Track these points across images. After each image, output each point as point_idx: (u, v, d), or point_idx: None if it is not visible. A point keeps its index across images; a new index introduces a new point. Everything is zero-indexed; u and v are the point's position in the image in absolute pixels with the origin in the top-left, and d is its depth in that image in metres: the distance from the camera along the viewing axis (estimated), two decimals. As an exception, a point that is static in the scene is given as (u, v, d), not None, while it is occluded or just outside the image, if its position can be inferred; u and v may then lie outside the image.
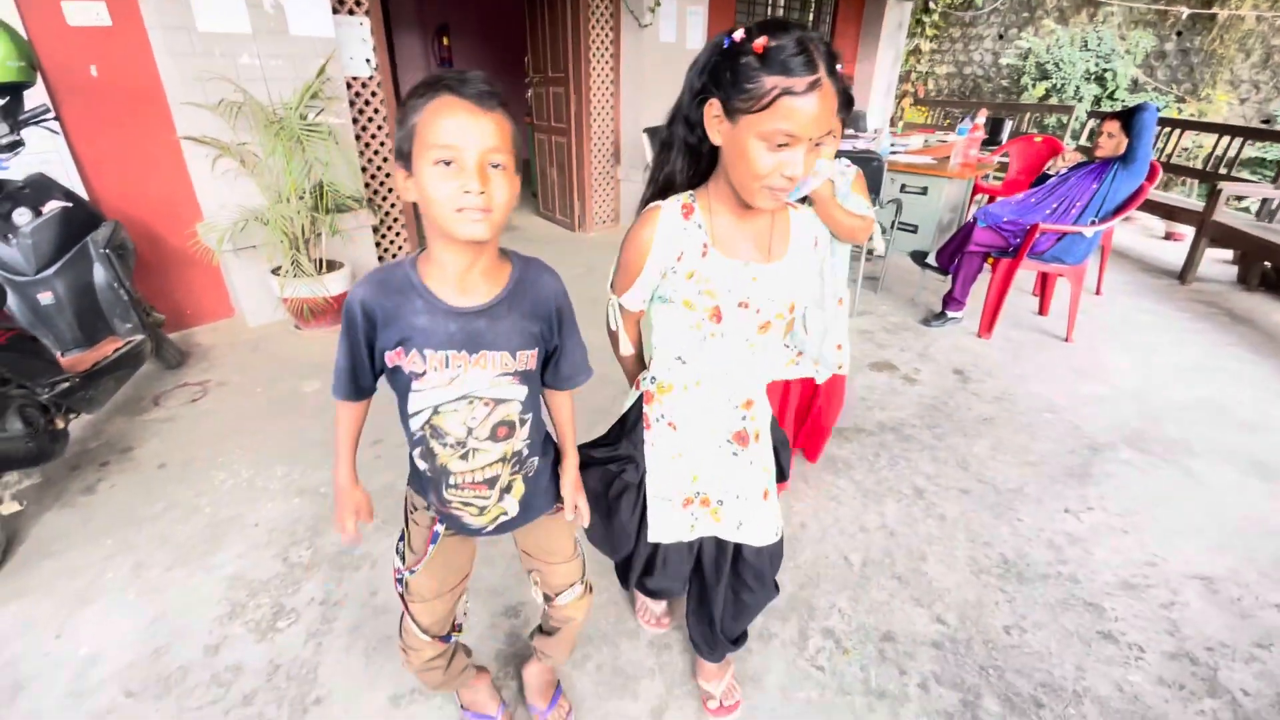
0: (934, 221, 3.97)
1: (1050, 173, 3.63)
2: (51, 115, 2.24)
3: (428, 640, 1.11)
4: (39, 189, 2.27)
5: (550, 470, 1.09)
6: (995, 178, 5.39)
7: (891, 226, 3.88)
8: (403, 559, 1.11)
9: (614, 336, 1.15)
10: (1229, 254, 4.72)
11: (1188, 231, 4.65)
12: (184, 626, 1.60)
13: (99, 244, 2.37)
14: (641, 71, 4.75)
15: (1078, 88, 8.16)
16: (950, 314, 3.50)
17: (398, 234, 3.94)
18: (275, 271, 3.10)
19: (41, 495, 2.04)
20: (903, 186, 4.00)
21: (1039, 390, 2.86)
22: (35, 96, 2.42)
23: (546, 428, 1.07)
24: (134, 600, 1.68)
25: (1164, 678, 1.53)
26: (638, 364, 1.21)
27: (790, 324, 1.05)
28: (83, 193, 2.75)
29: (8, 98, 2.10)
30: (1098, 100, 8.16)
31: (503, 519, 1.03)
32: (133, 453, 2.29)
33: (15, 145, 2.11)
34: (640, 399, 1.14)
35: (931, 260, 3.58)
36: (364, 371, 0.94)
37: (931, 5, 7.88)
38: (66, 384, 2.02)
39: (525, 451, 1.00)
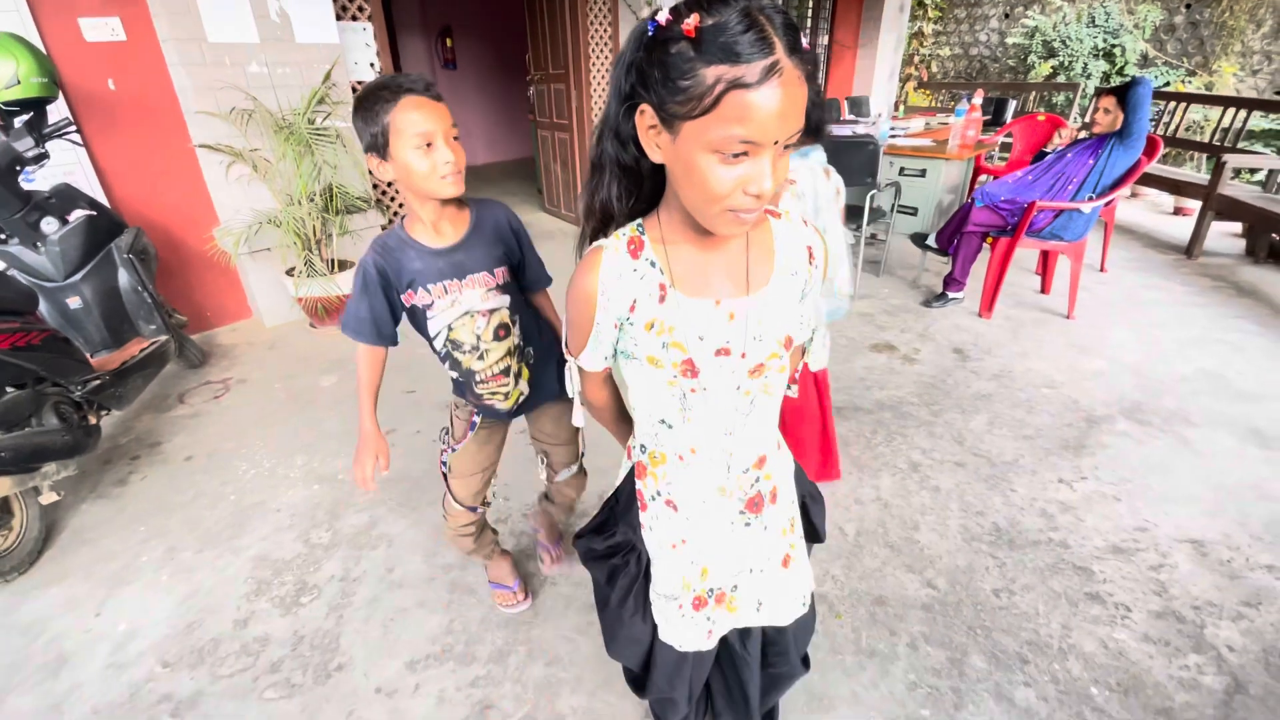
0: (933, 203, 3.99)
1: (1048, 150, 3.64)
2: (74, 128, 2.36)
3: (461, 509, 1.44)
4: (65, 199, 2.39)
5: (552, 359, 1.36)
6: (1000, 158, 5.38)
7: (891, 209, 3.91)
8: (445, 438, 1.40)
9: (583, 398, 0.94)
10: (1238, 227, 4.68)
11: (1196, 206, 4.62)
12: (214, 603, 1.71)
13: (122, 250, 2.49)
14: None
15: (1085, 65, 8.06)
16: (951, 295, 3.53)
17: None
18: (289, 272, 3.21)
19: (78, 487, 2.17)
20: (901, 169, 4.02)
21: (1038, 366, 2.89)
22: (57, 111, 2.55)
23: (538, 324, 1.35)
24: (167, 581, 1.79)
25: (1149, 635, 1.58)
26: (624, 422, 1.00)
27: (796, 354, 0.88)
28: (105, 201, 2.88)
29: (32, 112, 2.22)
30: (1106, 76, 8.06)
31: (521, 398, 1.34)
32: (161, 447, 2.41)
33: (41, 158, 2.23)
34: (632, 471, 0.95)
35: (931, 242, 3.61)
36: (383, 319, 1.18)
37: (933, -13, 7.81)
38: (97, 382, 2.14)
39: (522, 343, 1.30)
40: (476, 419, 1.36)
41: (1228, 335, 3.17)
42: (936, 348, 3.08)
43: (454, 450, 1.38)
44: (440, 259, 1.15)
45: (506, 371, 1.28)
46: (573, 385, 0.90)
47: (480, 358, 1.24)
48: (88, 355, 2.34)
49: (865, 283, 3.89)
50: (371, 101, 1.01)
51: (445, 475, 1.41)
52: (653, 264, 0.75)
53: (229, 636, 1.62)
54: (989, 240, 3.38)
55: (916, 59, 9.03)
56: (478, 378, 1.26)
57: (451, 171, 1.05)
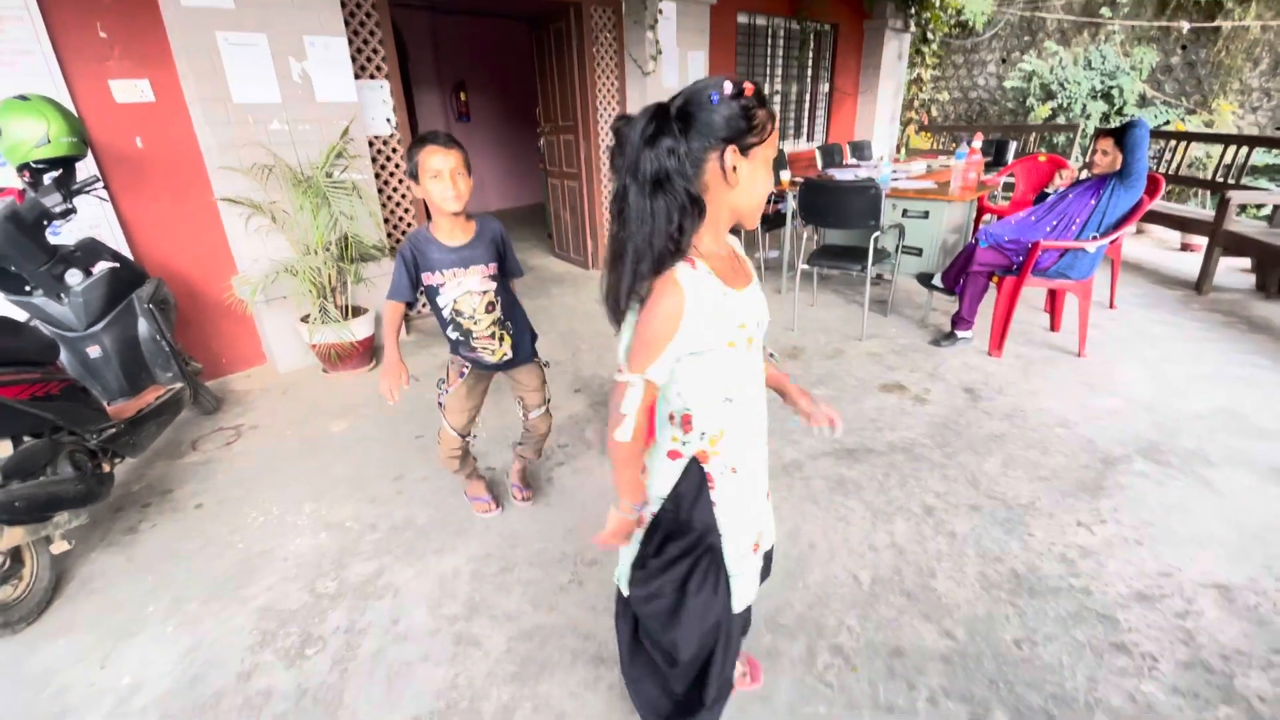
0: (937, 244, 4.02)
1: (1050, 191, 3.68)
2: (101, 185, 2.45)
3: (454, 435, 1.99)
4: (89, 252, 2.47)
5: (524, 332, 1.94)
6: (1004, 198, 5.43)
7: (896, 250, 3.95)
8: (441, 385, 1.96)
9: (622, 446, 1.02)
10: (1247, 262, 4.67)
11: (1203, 242, 4.63)
12: (218, 655, 1.69)
13: (143, 300, 2.55)
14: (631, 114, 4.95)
15: (1084, 106, 8.21)
16: (959, 334, 3.52)
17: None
18: (304, 319, 3.27)
19: (88, 535, 2.17)
20: (904, 211, 4.07)
21: (1051, 405, 2.85)
22: (86, 168, 2.65)
23: (512, 309, 1.90)
24: (172, 632, 1.78)
25: (1178, 687, 1.52)
26: (640, 449, 1.09)
27: None
28: (129, 253, 2.97)
29: (61, 170, 2.31)
30: (1106, 117, 8.19)
31: (505, 359, 1.89)
32: (172, 494, 2.42)
33: (68, 213, 2.32)
34: (689, 467, 1.09)
35: (937, 281, 3.63)
36: (409, 287, 1.74)
37: (929, 35, 8.05)
38: (113, 430, 2.17)
39: (503, 317, 1.86)
40: (466, 370, 1.91)
41: (1242, 371, 3.13)
42: (947, 387, 3.06)
43: (448, 393, 1.93)
44: (452, 253, 1.72)
45: (493, 335, 1.84)
46: (631, 403, 0.98)
47: (475, 323, 1.80)
48: (105, 403, 2.38)
49: (873, 322, 3.90)
50: (413, 147, 1.59)
51: (442, 411, 1.96)
52: (708, 272, 0.96)
53: (232, 690, 1.59)
54: (995, 279, 3.39)
55: (916, 103, 9.24)
56: (474, 335, 1.82)
57: (451, 197, 1.60)
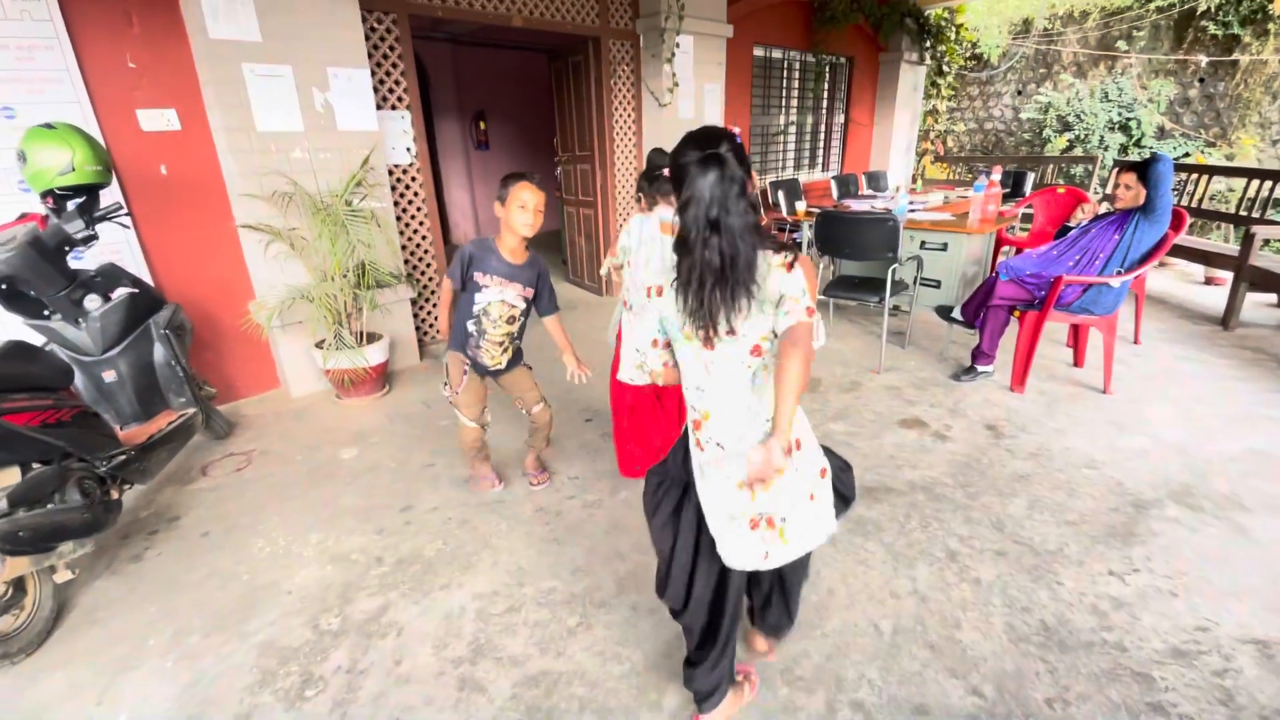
0: (956, 276, 3.97)
1: (1071, 225, 3.63)
2: (124, 212, 2.47)
3: (472, 425, 2.31)
4: (109, 277, 2.49)
5: (518, 351, 2.31)
6: (1022, 229, 5.39)
7: (914, 282, 3.90)
8: (445, 387, 2.28)
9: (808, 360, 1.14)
10: (1274, 297, 4.56)
11: (1228, 276, 4.54)
12: (216, 695, 1.65)
13: (160, 325, 2.56)
14: (662, 147, 4.98)
15: (1102, 137, 8.18)
16: (980, 368, 3.45)
17: (434, 305, 4.13)
18: (319, 345, 3.27)
19: (93, 563, 2.15)
20: (922, 243, 4.03)
21: (1077, 445, 2.77)
22: (110, 194, 2.68)
23: (522, 334, 2.29)
24: (171, 667, 1.73)
25: (1225, 756, 1.43)
26: None
27: None
28: (148, 277, 3.00)
29: (85, 197, 2.34)
30: (1124, 148, 8.15)
31: (499, 367, 2.25)
32: (179, 521, 2.40)
33: (90, 239, 2.33)
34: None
35: (957, 314, 3.57)
36: (460, 276, 2.10)
37: (945, 68, 8.09)
38: (123, 456, 2.16)
39: (515, 334, 2.24)
40: (467, 368, 2.22)
41: (1273, 411, 3.03)
42: (968, 424, 2.98)
43: (457, 393, 2.23)
44: (506, 266, 2.10)
45: (501, 344, 2.20)
46: (820, 338, 1.32)
47: (494, 326, 2.14)
48: (117, 428, 2.37)
49: (891, 355, 3.84)
50: (510, 179, 2.00)
51: (454, 405, 2.28)
52: None
53: (229, 733, 1.54)
54: (1016, 313, 3.33)
55: (932, 134, 9.25)
56: (486, 337, 2.16)
57: (528, 224, 2.02)
